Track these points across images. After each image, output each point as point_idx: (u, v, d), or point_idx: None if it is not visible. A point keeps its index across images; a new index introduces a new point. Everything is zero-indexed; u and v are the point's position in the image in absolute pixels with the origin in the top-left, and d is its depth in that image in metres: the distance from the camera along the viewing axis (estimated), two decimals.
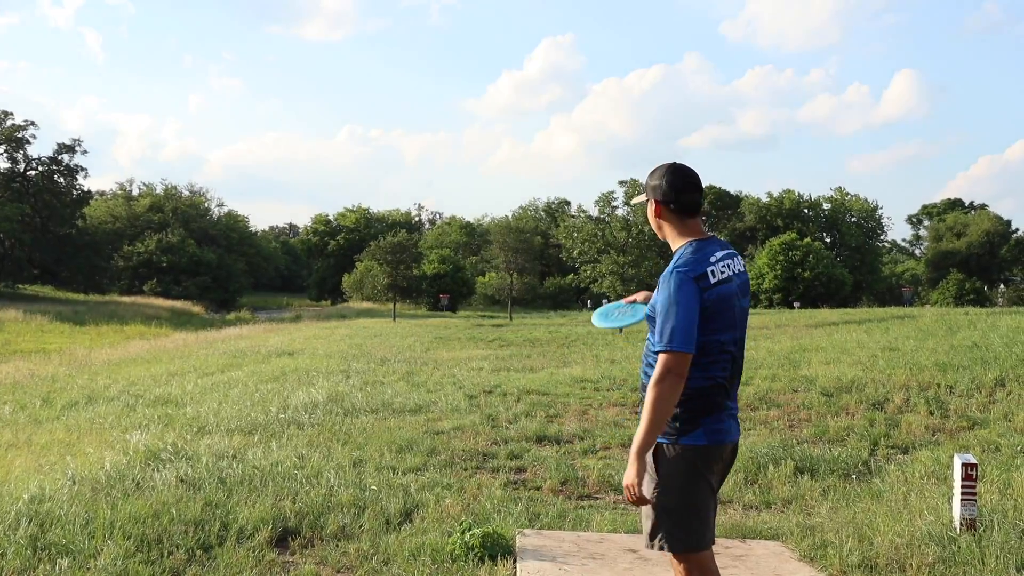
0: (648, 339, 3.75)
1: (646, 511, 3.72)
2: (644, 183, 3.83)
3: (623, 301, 4.45)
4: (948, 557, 5.45)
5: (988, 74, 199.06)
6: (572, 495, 7.46)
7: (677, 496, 3.65)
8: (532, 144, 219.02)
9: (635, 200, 3.91)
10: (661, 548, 3.70)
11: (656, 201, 3.79)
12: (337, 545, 5.84)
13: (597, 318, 4.46)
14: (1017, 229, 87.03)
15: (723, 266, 3.67)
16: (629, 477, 3.51)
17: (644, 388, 3.68)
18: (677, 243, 3.78)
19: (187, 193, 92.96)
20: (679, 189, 3.75)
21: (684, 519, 3.67)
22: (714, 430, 3.66)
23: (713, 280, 3.61)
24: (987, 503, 6.41)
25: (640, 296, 4.27)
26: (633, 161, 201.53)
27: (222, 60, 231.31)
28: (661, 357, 3.51)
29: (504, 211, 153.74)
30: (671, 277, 3.58)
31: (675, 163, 3.81)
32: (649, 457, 3.67)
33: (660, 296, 3.60)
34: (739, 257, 3.82)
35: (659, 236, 3.89)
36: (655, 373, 3.52)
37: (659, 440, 3.65)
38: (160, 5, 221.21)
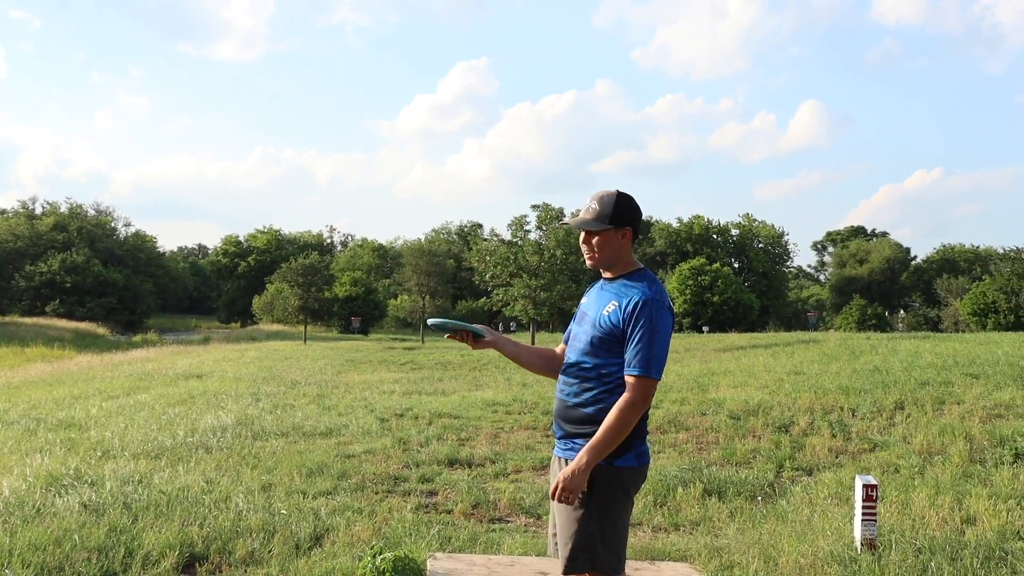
0: (575, 355, 3.78)
1: (566, 536, 3.69)
2: (604, 213, 3.76)
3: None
4: None
5: (888, 106, 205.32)
6: (484, 518, 7.47)
7: (610, 518, 3.68)
8: (445, 167, 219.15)
9: (588, 226, 3.77)
10: (585, 571, 3.71)
11: (629, 228, 3.80)
12: (246, 571, 5.77)
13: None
14: (916, 256, 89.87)
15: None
16: (576, 483, 3.55)
17: (572, 405, 3.73)
18: (625, 270, 3.81)
19: (93, 212, 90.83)
20: (639, 218, 3.85)
21: (615, 542, 3.70)
22: (642, 452, 3.73)
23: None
24: (886, 523, 6.58)
25: (482, 326, 4.07)
26: (546, 185, 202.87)
27: (131, 77, 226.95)
28: (638, 383, 3.56)
29: (417, 234, 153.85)
30: (652, 304, 3.63)
31: (624, 192, 3.83)
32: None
33: (634, 320, 3.61)
34: None
35: (596, 262, 3.81)
36: (629, 398, 3.56)
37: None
38: (67, 20, 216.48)
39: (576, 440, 3.72)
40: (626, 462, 3.67)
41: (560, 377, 3.86)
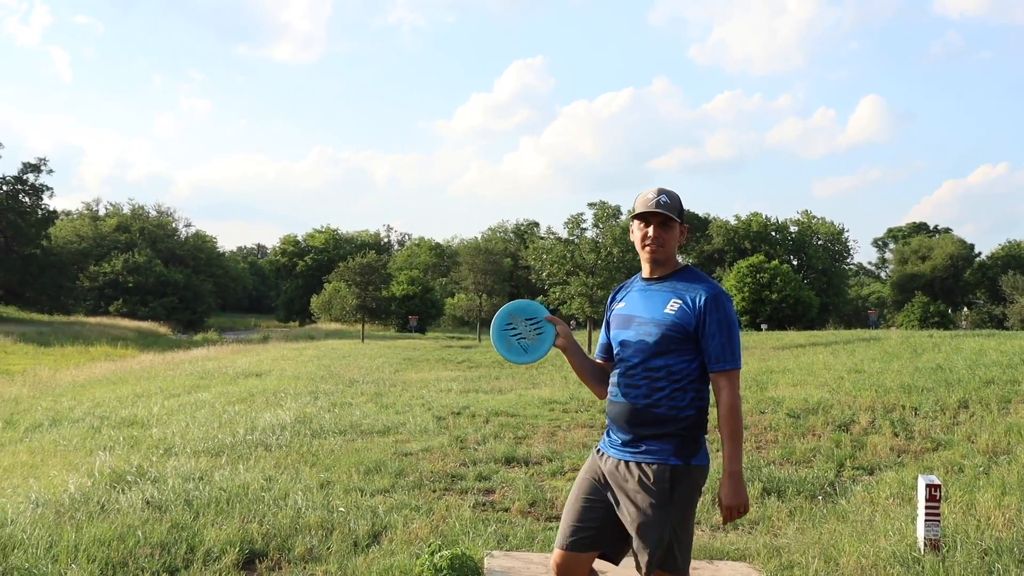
0: (638, 357, 3.75)
1: (650, 538, 3.65)
2: (675, 206, 3.80)
3: (544, 316, 4.00)
4: None
5: (951, 101, 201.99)
6: (541, 516, 7.46)
7: (687, 519, 3.72)
8: (501, 166, 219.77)
9: (663, 212, 3.76)
10: (669, 572, 3.70)
11: (685, 226, 3.88)
12: (305, 568, 5.82)
13: (497, 335, 4.03)
14: (980, 253, 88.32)
15: None
16: (744, 497, 3.66)
17: (644, 407, 3.70)
18: (675, 268, 3.84)
19: (154, 213, 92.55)
20: None
21: (687, 541, 3.75)
22: (707, 450, 3.79)
23: None
24: (950, 524, 6.46)
25: (560, 325, 3.98)
26: (602, 183, 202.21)
27: (191, 81, 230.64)
28: (733, 375, 3.67)
29: (473, 232, 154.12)
30: (723, 297, 3.71)
31: None
32: (662, 482, 3.67)
33: (710, 315, 3.66)
34: None
35: (660, 254, 3.80)
36: (733, 393, 3.67)
37: (672, 463, 3.68)
38: (129, 25, 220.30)
39: (648, 443, 3.70)
40: (700, 460, 3.73)
41: (619, 380, 3.81)
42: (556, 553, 3.89)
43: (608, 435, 3.89)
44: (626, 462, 3.74)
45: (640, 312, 3.79)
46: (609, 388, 3.88)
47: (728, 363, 3.65)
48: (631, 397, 3.74)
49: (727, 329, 3.66)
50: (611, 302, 4.03)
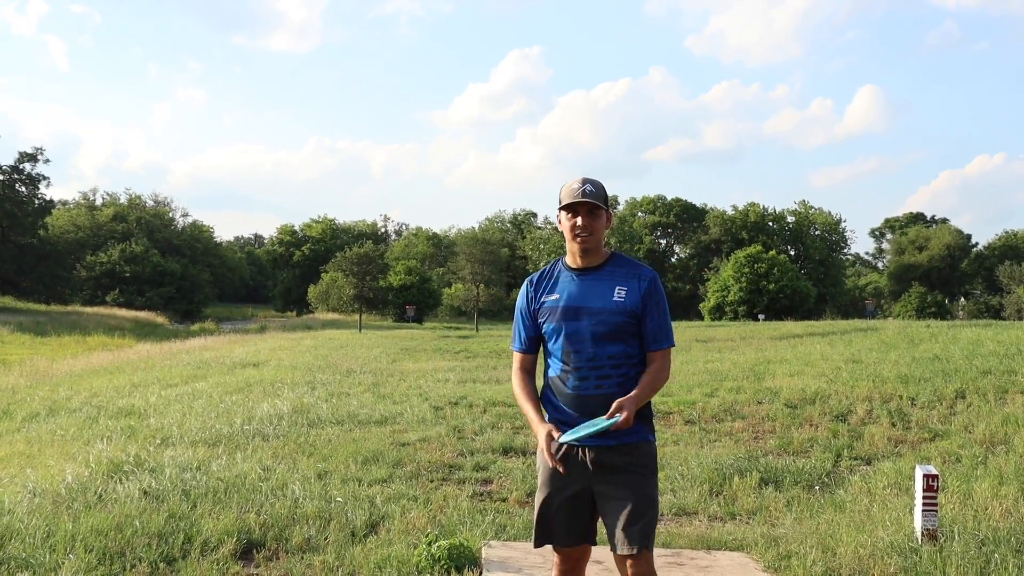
0: (597, 348, 3.77)
1: (643, 515, 3.68)
2: (601, 194, 3.83)
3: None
4: (910, 567, 5.50)
5: (948, 91, 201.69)
6: None
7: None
8: (498, 156, 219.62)
9: (590, 201, 3.80)
10: (649, 549, 3.70)
11: (610, 213, 4.00)
12: (302, 557, 5.81)
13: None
14: (977, 243, 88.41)
15: None
16: (633, 414, 3.62)
17: (619, 395, 3.67)
18: (604, 256, 3.91)
19: (151, 203, 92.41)
20: None
21: None
22: None
23: None
24: (948, 513, 6.47)
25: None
26: (599, 173, 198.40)
27: (188, 70, 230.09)
28: (668, 353, 3.82)
29: (471, 222, 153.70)
30: (658, 280, 3.85)
31: None
32: (647, 458, 3.78)
33: (652, 297, 3.80)
34: None
35: (590, 243, 3.82)
36: (664, 366, 3.79)
37: (650, 439, 3.82)
38: (126, 14, 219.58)
39: (632, 425, 3.69)
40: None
41: (586, 373, 3.79)
42: (558, 557, 3.96)
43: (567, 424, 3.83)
44: (608, 447, 3.74)
45: (587, 302, 3.81)
46: (567, 382, 3.86)
47: (665, 342, 3.81)
48: (604, 389, 3.75)
49: (664, 309, 3.83)
50: (536, 293, 3.98)
